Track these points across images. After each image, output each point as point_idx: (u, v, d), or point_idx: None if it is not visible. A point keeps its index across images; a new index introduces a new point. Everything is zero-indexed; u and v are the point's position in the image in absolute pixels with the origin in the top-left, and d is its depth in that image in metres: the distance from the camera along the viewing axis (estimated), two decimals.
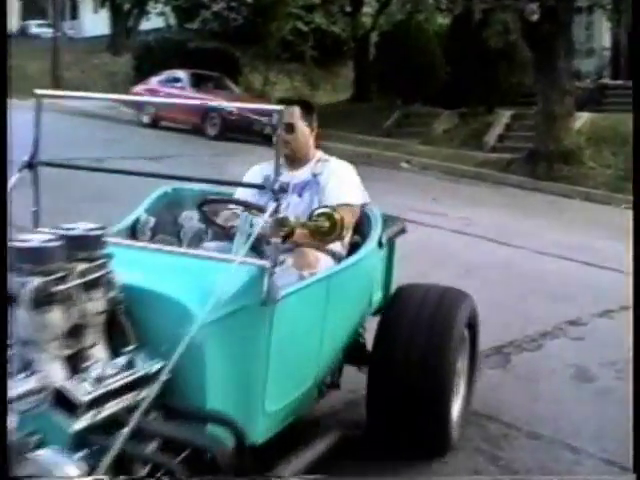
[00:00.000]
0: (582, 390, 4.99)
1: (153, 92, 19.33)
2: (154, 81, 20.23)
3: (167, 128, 18.52)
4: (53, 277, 2.35)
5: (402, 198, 10.47)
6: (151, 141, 16.57)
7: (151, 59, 24.19)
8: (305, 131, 3.96)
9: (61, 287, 2.37)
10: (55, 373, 2.37)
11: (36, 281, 2.32)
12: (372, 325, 4.01)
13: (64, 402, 2.34)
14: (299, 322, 3.27)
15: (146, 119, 18.85)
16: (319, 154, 4.05)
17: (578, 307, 6.61)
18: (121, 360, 2.56)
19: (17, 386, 2.29)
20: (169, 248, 3.32)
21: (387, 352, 3.83)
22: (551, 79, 14.54)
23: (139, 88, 20.27)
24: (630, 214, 7.81)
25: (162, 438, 2.51)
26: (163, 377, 2.45)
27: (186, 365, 2.52)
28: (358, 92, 23.71)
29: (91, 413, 2.37)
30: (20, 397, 2.28)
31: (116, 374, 2.49)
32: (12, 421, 2.26)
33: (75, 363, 2.45)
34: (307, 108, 4.05)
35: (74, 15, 41.02)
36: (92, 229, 2.59)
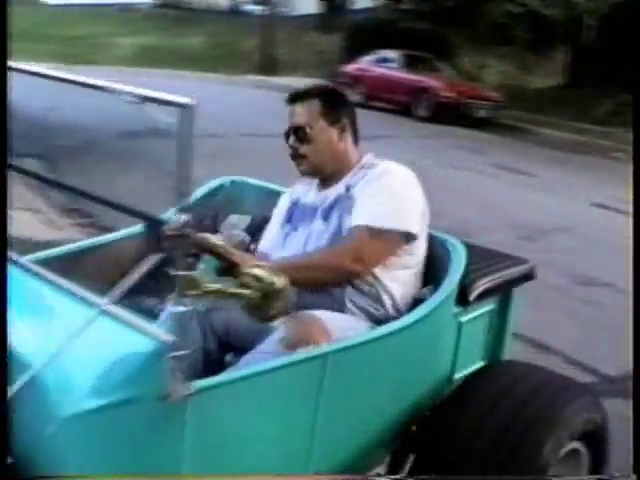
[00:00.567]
0: None
1: (364, 71, 19.63)
2: (365, 60, 20.53)
3: (375, 108, 18.67)
4: None
5: (614, 190, 10.22)
6: (360, 121, 16.48)
7: (361, 38, 24.44)
8: (330, 135, 2.83)
9: None
10: None
11: None
12: None
13: None
14: (253, 421, 2.22)
15: (357, 98, 19.19)
16: (366, 158, 2.91)
17: None
18: None
19: None
20: (67, 285, 2.15)
21: (436, 447, 2.72)
22: None
23: (350, 67, 20.62)
24: None
25: None
26: None
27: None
28: (572, 77, 23.01)
29: None
30: None
31: None
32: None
33: None
34: (333, 100, 2.90)
35: None
36: None
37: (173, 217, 1.82)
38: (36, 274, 2.23)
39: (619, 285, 6.45)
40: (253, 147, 11.36)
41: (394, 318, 2.67)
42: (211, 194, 3.40)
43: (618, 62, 18.82)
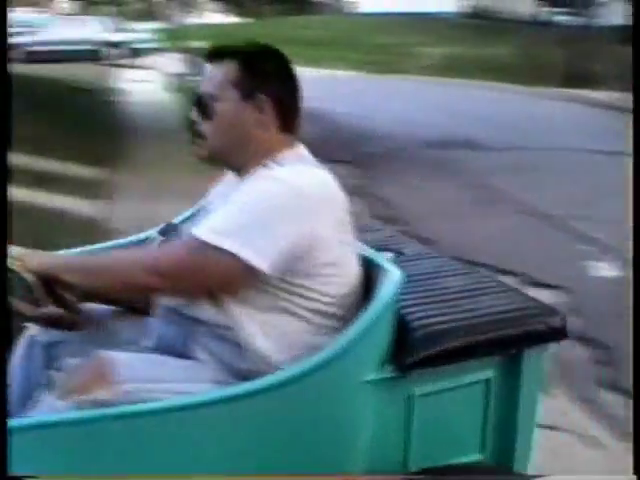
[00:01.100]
0: None
1: None
2: None
3: None
4: None
5: None
6: None
7: None
8: (240, 113, 2.13)
9: None
10: None
11: None
12: None
13: None
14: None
15: None
16: (283, 155, 2.15)
17: None
18: None
19: None
20: None
21: None
22: None
23: None
24: None
25: None
26: None
27: None
28: None
29: None
30: None
31: None
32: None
33: None
34: (257, 66, 2.15)
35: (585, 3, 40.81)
36: None
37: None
38: None
39: None
40: (569, 162, 10.83)
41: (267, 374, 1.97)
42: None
43: None
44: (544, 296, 3.86)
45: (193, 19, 37.79)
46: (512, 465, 2.12)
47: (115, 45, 28.14)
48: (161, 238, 2.32)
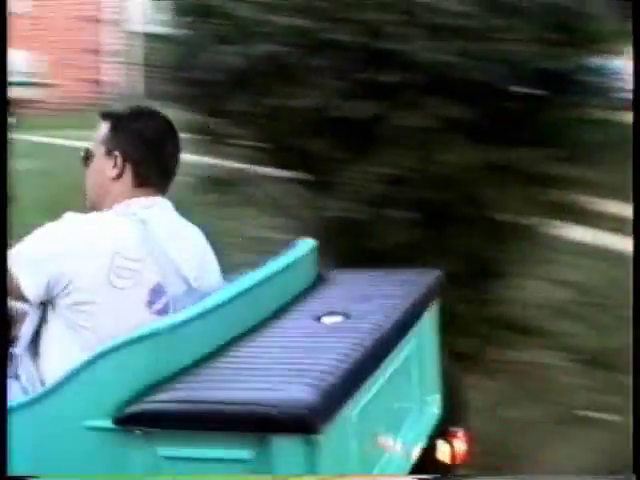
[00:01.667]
0: None
1: None
2: None
3: None
4: None
5: None
6: None
7: None
8: (101, 167, 2.38)
9: None
10: None
11: None
12: None
13: None
14: None
15: None
16: (119, 205, 2.34)
17: None
18: None
19: None
20: None
21: None
22: None
23: None
24: None
25: None
26: None
27: None
28: None
29: None
30: None
31: None
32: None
33: None
34: (121, 127, 2.40)
35: None
36: None
37: None
38: None
39: None
40: None
41: None
42: None
43: None
44: None
45: None
46: None
47: None
48: None
